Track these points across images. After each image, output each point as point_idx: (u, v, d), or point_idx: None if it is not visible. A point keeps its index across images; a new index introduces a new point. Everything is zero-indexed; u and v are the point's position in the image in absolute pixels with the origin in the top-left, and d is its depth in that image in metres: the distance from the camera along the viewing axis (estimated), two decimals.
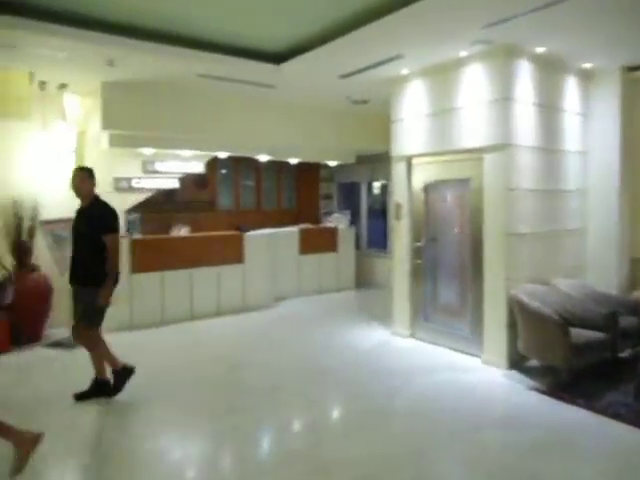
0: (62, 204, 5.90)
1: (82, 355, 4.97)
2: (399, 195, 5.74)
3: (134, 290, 5.98)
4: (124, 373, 3.98)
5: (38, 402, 3.93)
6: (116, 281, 3.95)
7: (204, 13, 4.30)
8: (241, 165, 9.06)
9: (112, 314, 5.67)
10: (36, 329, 5.44)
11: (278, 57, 5.27)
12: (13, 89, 6.15)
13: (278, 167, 9.34)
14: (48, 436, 2.99)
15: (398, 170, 5.74)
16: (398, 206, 5.73)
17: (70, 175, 4.08)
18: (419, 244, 5.51)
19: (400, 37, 4.39)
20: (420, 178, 5.54)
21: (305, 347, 5.38)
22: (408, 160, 5.61)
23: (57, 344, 5.29)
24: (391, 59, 4.95)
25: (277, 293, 7.44)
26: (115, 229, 3.90)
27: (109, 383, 3.96)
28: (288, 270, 7.78)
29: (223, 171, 9.05)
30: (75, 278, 3.90)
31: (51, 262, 5.45)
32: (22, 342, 5.25)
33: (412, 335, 5.58)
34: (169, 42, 4.78)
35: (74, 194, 4.00)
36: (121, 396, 3.98)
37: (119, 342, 5.33)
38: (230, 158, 7.85)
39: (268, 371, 4.63)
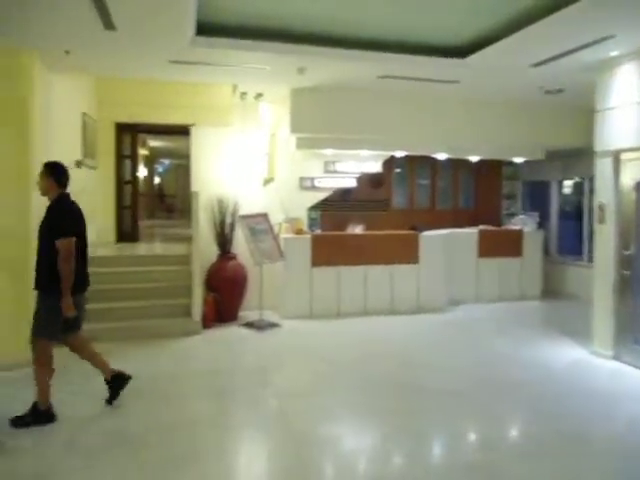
0: (256, 201, 6.78)
1: (270, 336, 5.64)
2: (603, 195, 5.09)
3: (313, 282, 6.52)
4: (117, 382, 3.82)
5: (239, 369, 4.64)
6: (79, 289, 3.60)
7: (384, 14, 4.43)
8: (416, 163, 9.08)
9: (295, 302, 6.38)
10: (233, 310, 6.35)
11: (461, 51, 5.15)
12: (219, 100, 7.25)
13: (455, 165, 9.11)
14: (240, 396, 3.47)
15: (603, 166, 5.09)
16: (601, 207, 5.09)
17: None
18: (628, 252, 4.81)
19: (612, 15, 3.89)
20: (631, 175, 4.83)
21: (484, 356, 5.18)
22: (616, 155, 4.94)
23: (250, 325, 6.08)
24: (598, 41, 4.43)
25: (452, 297, 7.28)
26: (65, 233, 3.43)
27: (47, 414, 3.51)
28: (465, 274, 7.54)
29: (398, 170, 9.20)
30: (34, 281, 3.60)
31: (247, 252, 6.28)
32: (223, 320, 6.17)
33: (616, 357, 4.90)
34: (353, 46, 5.03)
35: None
36: (296, 380, 4.40)
37: (299, 329, 5.96)
38: (406, 157, 7.94)
39: (443, 375, 4.58)
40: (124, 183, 8.26)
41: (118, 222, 8.06)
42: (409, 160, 8.71)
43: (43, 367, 3.54)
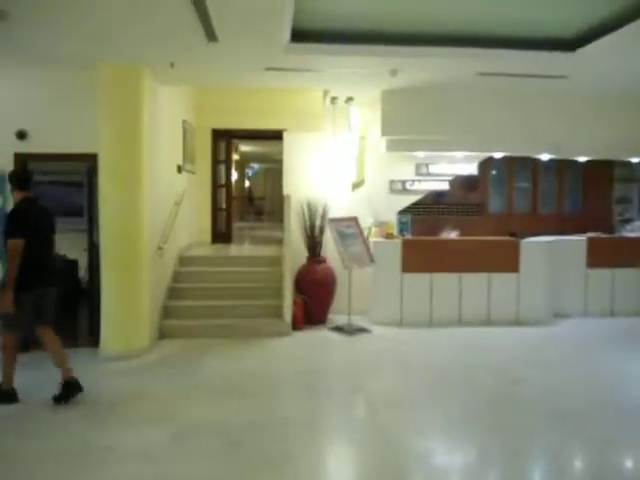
0: (346, 204, 6.83)
1: (360, 341, 5.61)
2: None
3: (404, 288, 6.41)
4: (69, 388, 3.93)
5: (330, 373, 4.69)
6: (39, 284, 3.89)
7: (484, 7, 4.25)
8: (515, 165, 8.63)
9: (385, 308, 6.31)
10: (322, 313, 6.43)
11: (571, 43, 4.79)
12: (310, 105, 7.39)
13: (560, 166, 8.52)
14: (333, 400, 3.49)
15: None
16: None
17: None
18: None
19: None
20: None
21: (598, 376, 4.73)
22: None
23: (339, 329, 6.12)
24: None
25: (557, 309, 6.78)
26: (12, 234, 3.72)
27: (9, 394, 3.91)
28: (572, 285, 6.97)
29: (494, 172, 8.80)
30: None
31: (336, 255, 6.33)
32: (311, 323, 6.28)
33: None
34: (449, 44, 4.88)
35: None
36: (389, 389, 4.33)
37: (389, 336, 5.89)
38: (503, 158, 7.56)
39: (549, 393, 4.28)
40: (219, 187, 8.72)
41: (213, 224, 8.52)
42: (507, 161, 8.29)
43: (9, 355, 3.94)
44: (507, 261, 6.56)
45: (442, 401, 4.12)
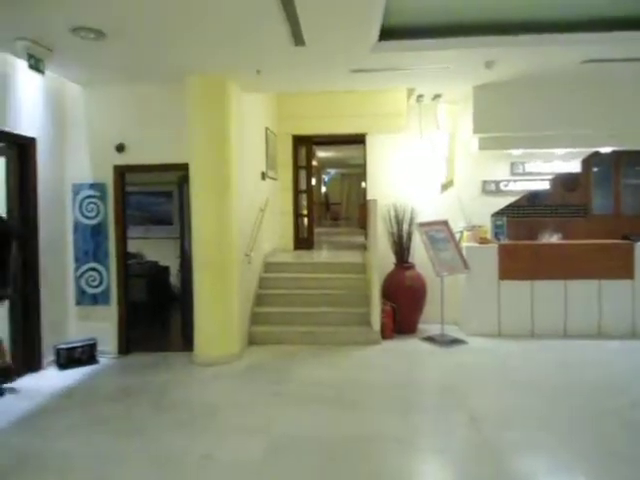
0: (435, 207, 6.56)
1: (455, 353, 5.31)
2: None
3: (502, 297, 6.02)
4: None
5: (426, 386, 4.47)
6: None
7: None
8: (623, 160, 7.87)
9: (480, 318, 5.95)
10: (412, 322, 6.21)
11: None
12: (394, 106, 7.21)
13: None
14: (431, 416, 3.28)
15: None
16: None
17: None
18: None
19: None
20: None
21: None
22: None
23: (431, 339, 5.87)
24: None
25: None
26: None
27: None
28: None
29: (595, 169, 8.09)
30: None
31: (426, 261, 6.09)
32: (401, 332, 6.07)
33: None
34: (550, 30, 4.52)
35: None
36: (494, 406, 4.03)
37: (487, 348, 5.55)
38: (608, 153, 6.91)
39: None
40: (300, 192, 8.76)
41: (295, 229, 8.57)
42: (614, 156, 7.58)
43: None
44: (620, 267, 5.96)
45: (557, 423, 3.74)
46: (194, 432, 3.65)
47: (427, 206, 6.55)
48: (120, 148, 5.54)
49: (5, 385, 4.48)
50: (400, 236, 6.32)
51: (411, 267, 6.29)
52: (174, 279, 8.04)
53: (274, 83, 5.96)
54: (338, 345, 5.66)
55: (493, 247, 6.07)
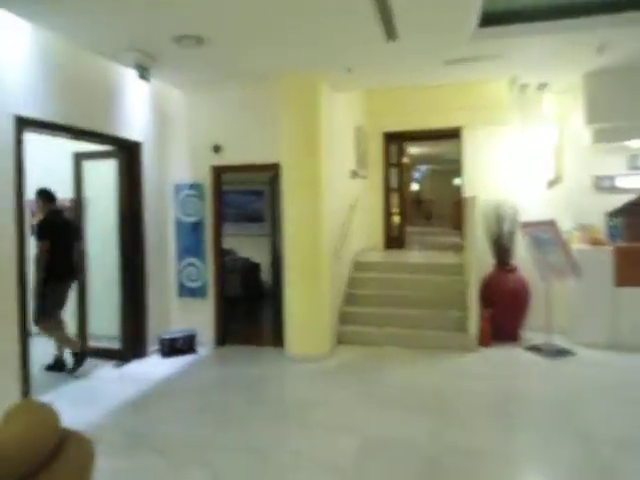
0: (540, 205, 6.10)
1: (562, 365, 4.89)
2: None
3: (619, 305, 5.44)
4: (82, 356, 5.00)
5: (531, 400, 4.13)
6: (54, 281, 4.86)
7: None
8: None
9: (592, 328, 5.43)
10: (513, 329, 5.81)
11: None
12: (492, 97, 6.82)
13: None
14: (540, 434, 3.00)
15: None
16: None
17: None
18: None
19: None
20: None
21: None
22: None
23: (535, 348, 5.45)
24: None
25: None
26: (40, 237, 4.84)
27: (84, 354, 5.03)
28: None
29: None
30: None
31: (529, 264, 5.69)
32: (501, 339, 5.71)
33: None
34: None
35: None
36: (615, 428, 3.63)
37: (600, 361, 5.06)
38: None
39: None
40: (391, 190, 8.63)
41: (386, 228, 8.45)
42: None
43: (55, 332, 4.98)
44: None
45: None
46: (286, 426, 3.72)
47: (531, 204, 6.10)
48: (217, 149, 5.79)
49: (78, 370, 4.96)
50: (501, 236, 5.94)
51: (513, 270, 5.89)
52: (265, 275, 8.29)
53: (364, 80, 5.90)
54: (430, 349, 5.47)
55: (607, 250, 5.52)
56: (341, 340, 5.81)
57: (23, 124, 3.82)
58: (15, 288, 3.76)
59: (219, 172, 5.89)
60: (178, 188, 5.93)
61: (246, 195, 9.00)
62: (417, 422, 3.74)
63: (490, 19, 4.29)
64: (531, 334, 5.79)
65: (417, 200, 19.47)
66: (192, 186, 5.88)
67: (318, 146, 5.32)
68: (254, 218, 8.95)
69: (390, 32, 4.17)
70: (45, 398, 4.19)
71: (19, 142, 3.78)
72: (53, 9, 3.60)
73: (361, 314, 6.06)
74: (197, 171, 5.88)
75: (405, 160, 14.39)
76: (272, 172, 5.75)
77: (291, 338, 5.41)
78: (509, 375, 4.82)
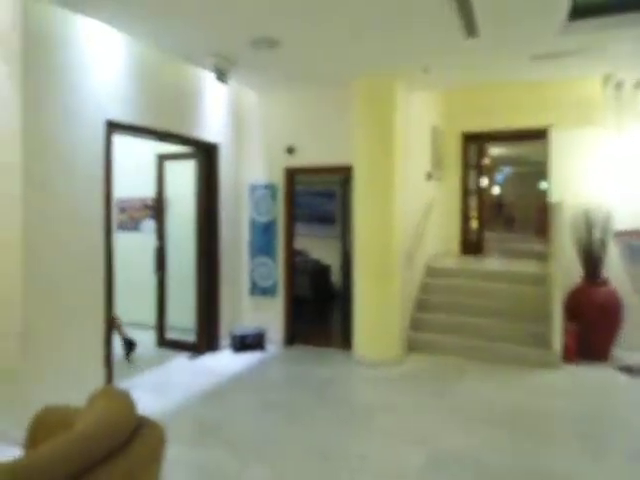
0: (636, 213, 5.63)
1: None
2: None
3: None
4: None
5: (624, 427, 3.83)
6: None
7: None
8: None
9: None
10: (603, 347, 5.37)
11: None
12: (584, 95, 6.38)
13: None
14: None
15: None
16: None
17: None
18: None
19: None
20: None
21: None
22: None
23: (628, 369, 5.02)
24: None
25: None
26: None
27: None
28: None
29: None
30: None
31: (623, 276, 5.26)
32: (588, 357, 5.32)
33: None
34: None
35: None
36: None
37: None
38: None
39: None
40: (469, 194, 8.35)
41: (463, 233, 8.19)
42: None
43: None
44: None
45: None
46: (352, 430, 3.72)
47: (626, 211, 5.64)
48: (290, 150, 5.91)
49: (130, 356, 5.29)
50: (591, 245, 5.53)
51: (604, 283, 5.45)
52: (335, 277, 8.34)
53: (442, 80, 5.74)
54: (507, 364, 5.21)
55: None
56: (412, 347, 5.71)
57: (113, 127, 4.12)
58: (103, 281, 4.07)
59: (292, 173, 6.00)
60: (252, 188, 6.11)
61: (318, 196, 9.10)
62: (492, 440, 3.57)
63: (581, 10, 4.03)
64: (624, 353, 5.34)
65: (498, 204, 18.68)
66: (266, 186, 6.04)
67: (392, 147, 5.26)
68: (326, 219, 9.03)
69: (470, 28, 4.03)
70: (123, 385, 4.50)
71: (109, 143, 4.08)
72: (138, 17, 3.84)
73: (434, 321, 5.91)
74: (271, 172, 6.03)
75: (485, 162, 13.90)
76: (344, 174, 5.77)
77: (360, 341, 5.39)
78: (596, 396, 4.47)
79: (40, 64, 3.50)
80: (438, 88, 6.78)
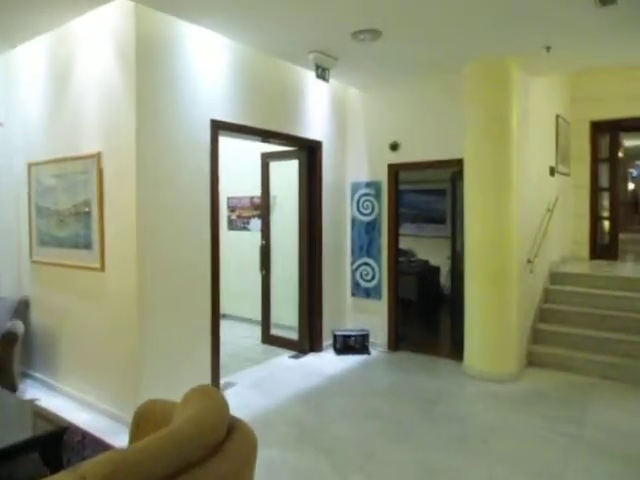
0: None
1: None
2: None
3: None
4: None
5: None
6: None
7: None
8: None
9: None
10: None
11: None
12: None
13: None
14: None
15: None
16: None
17: None
18: None
19: None
20: None
21: None
22: None
23: None
24: None
25: None
26: None
27: None
28: None
29: None
30: None
31: None
32: None
33: None
34: None
35: None
36: None
37: None
38: None
39: None
40: (599, 190, 7.51)
41: (592, 235, 7.38)
42: None
43: None
44: None
45: None
46: (463, 453, 3.38)
47: None
48: (394, 147, 5.70)
49: None
50: None
51: None
52: (444, 280, 7.95)
53: (568, 61, 5.11)
54: None
55: None
56: (532, 361, 5.19)
57: (217, 127, 4.24)
58: (210, 278, 4.20)
59: (396, 170, 5.78)
60: (355, 186, 6.00)
61: (426, 195, 8.78)
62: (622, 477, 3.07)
63: None
64: None
65: (634, 202, 16.69)
66: (369, 184, 5.90)
67: (508, 139, 4.81)
68: (434, 219, 8.68)
69: None
70: (227, 379, 4.65)
71: (214, 142, 4.21)
72: (238, 19, 3.89)
73: (558, 334, 5.33)
74: (374, 169, 5.87)
75: (619, 154, 12.47)
76: (454, 169, 5.43)
77: (471, 352, 5.01)
78: None
79: (151, 70, 3.69)
80: (562, 71, 6.14)
